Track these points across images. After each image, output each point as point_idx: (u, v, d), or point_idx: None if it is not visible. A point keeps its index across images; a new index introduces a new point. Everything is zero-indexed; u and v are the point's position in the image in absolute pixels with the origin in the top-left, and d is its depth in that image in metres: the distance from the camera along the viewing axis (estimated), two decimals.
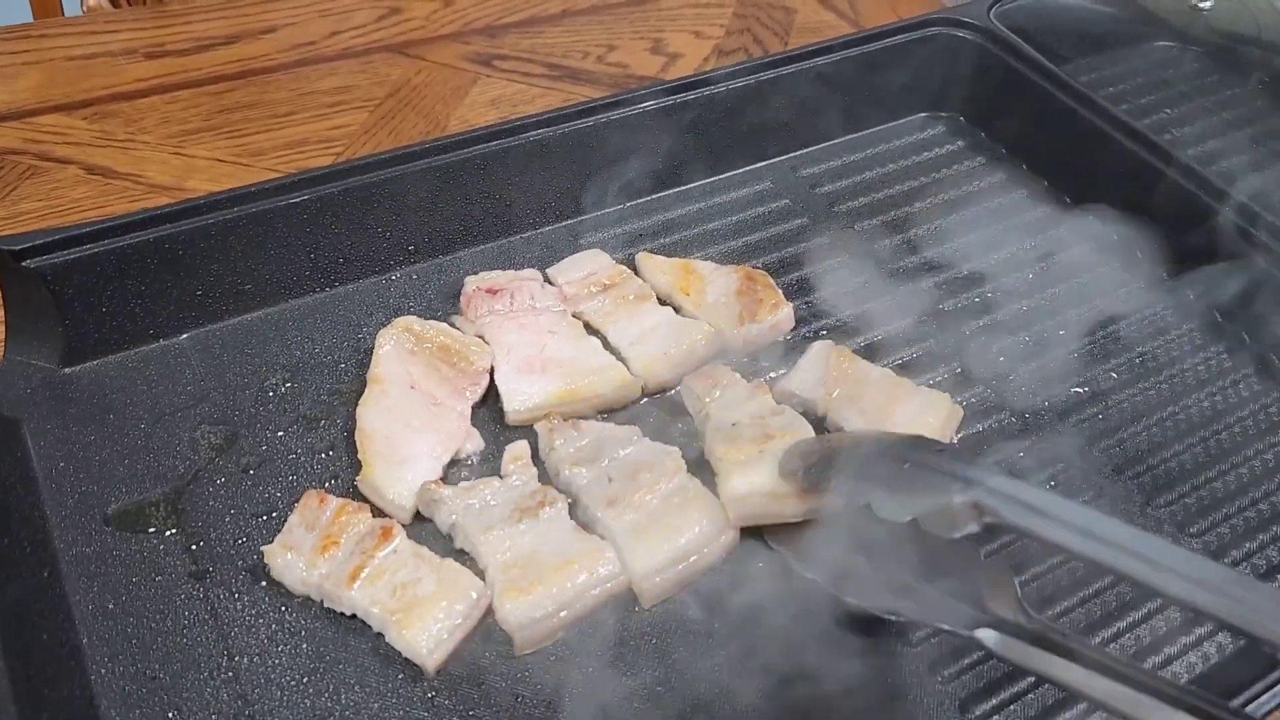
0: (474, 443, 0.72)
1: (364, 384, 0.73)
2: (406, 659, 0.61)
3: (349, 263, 0.81)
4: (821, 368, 0.75)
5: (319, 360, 0.76)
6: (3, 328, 0.74)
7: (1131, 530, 0.51)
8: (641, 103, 0.89)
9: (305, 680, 0.60)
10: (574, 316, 0.79)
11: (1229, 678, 0.62)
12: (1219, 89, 1.07)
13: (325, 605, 0.63)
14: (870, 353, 0.80)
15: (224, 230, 0.76)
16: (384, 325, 0.76)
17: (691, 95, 0.91)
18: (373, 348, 0.75)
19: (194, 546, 0.65)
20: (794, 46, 1.20)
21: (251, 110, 1.06)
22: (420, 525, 0.68)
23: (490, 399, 0.75)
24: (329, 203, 0.79)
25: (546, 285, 0.81)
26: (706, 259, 0.86)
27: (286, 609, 0.63)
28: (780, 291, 0.81)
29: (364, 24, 1.20)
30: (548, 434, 0.70)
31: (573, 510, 0.67)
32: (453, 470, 0.71)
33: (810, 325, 0.82)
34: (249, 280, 0.78)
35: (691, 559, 0.65)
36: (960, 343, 0.82)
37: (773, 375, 0.78)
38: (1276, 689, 0.57)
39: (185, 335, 0.77)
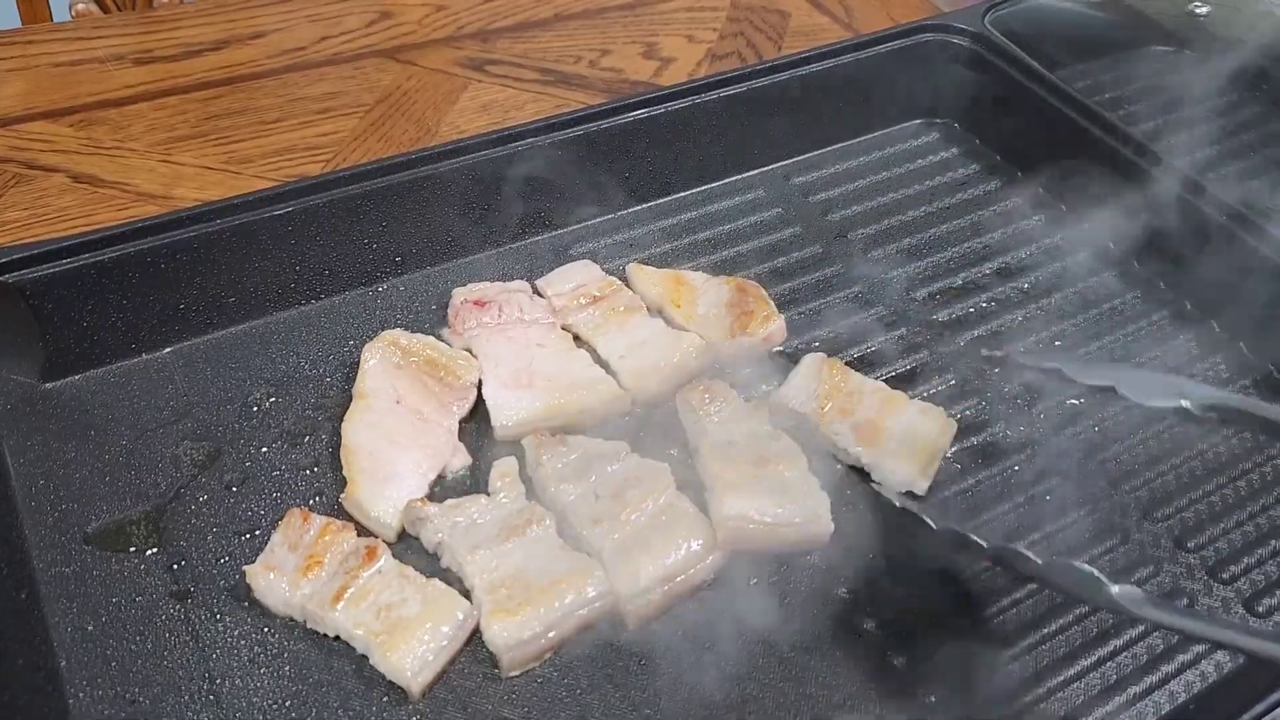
0: (460, 459, 0.71)
1: (349, 399, 0.72)
2: (391, 682, 0.60)
3: (335, 275, 0.80)
4: (814, 380, 0.74)
5: (304, 374, 0.75)
6: None
7: None
8: (633, 110, 0.88)
9: (288, 704, 0.59)
10: (563, 329, 0.78)
11: (1227, 698, 0.61)
12: (1215, 95, 1.06)
13: (308, 626, 0.62)
14: (864, 365, 0.79)
15: (207, 243, 0.75)
16: (370, 338, 0.75)
17: (683, 103, 0.90)
18: (359, 361, 0.74)
19: (175, 566, 0.64)
20: (788, 51, 1.20)
21: (240, 117, 1.05)
22: (406, 543, 0.67)
23: (478, 413, 0.74)
24: (314, 214, 0.78)
25: (535, 297, 0.80)
26: (698, 269, 0.85)
27: (269, 630, 0.62)
28: (772, 303, 0.80)
29: (354, 29, 1.19)
30: (535, 450, 0.69)
31: (560, 527, 0.66)
32: (439, 487, 0.70)
33: (803, 336, 0.81)
34: (233, 293, 0.77)
35: (678, 579, 0.64)
36: (955, 354, 0.81)
37: (765, 388, 0.77)
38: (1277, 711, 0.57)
39: (168, 349, 0.76)
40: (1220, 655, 0.63)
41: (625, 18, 1.26)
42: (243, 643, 0.61)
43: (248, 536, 0.66)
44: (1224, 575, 0.68)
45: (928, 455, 0.70)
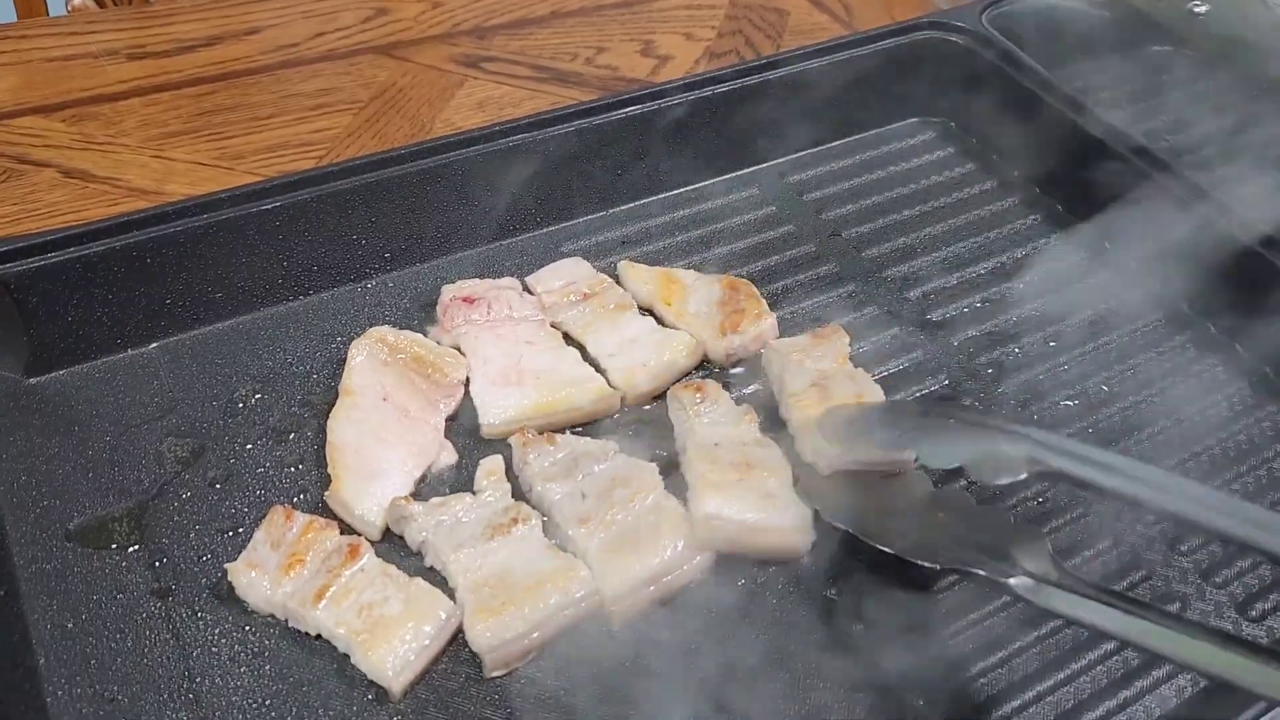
0: (447, 457, 0.70)
1: (336, 395, 0.71)
2: (373, 681, 0.59)
3: (323, 270, 0.80)
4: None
5: (290, 371, 0.75)
6: None
7: (1172, 475, 0.56)
8: (626, 107, 0.87)
9: (268, 703, 0.58)
10: (553, 326, 0.78)
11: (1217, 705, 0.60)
12: (1215, 94, 1.05)
13: (290, 625, 0.61)
14: (857, 363, 0.77)
15: (194, 237, 0.74)
16: (358, 335, 0.75)
17: (677, 99, 0.89)
18: (345, 358, 0.73)
19: (157, 563, 0.64)
20: (785, 49, 1.19)
21: (233, 113, 1.05)
22: (390, 541, 0.66)
23: (465, 411, 0.73)
24: (303, 209, 0.77)
25: (525, 294, 0.79)
26: (691, 267, 0.84)
27: (250, 629, 0.61)
28: (764, 301, 0.79)
29: (349, 25, 1.18)
30: (522, 448, 0.69)
31: (546, 527, 0.66)
32: (424, 485, 0.69)
33: (796, 335, 0.80)
34: (220, 288, 0.76)
35: (665, 580, 0.63)
36: (948, 354, 0.80)
37: (755, 388, 0.76)
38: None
39: (154, 345, 0.75)
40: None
41: (623, 15, 1.25)
42: (223, 641, 0.61)
43: (230, 534, 0.65)
44: (1216, 579, 0.67)
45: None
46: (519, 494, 0.68)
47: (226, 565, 0.63)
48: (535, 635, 0.61)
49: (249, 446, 0.70)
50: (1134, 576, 0.67)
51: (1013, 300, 0.85)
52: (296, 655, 0.60)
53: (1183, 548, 0.68)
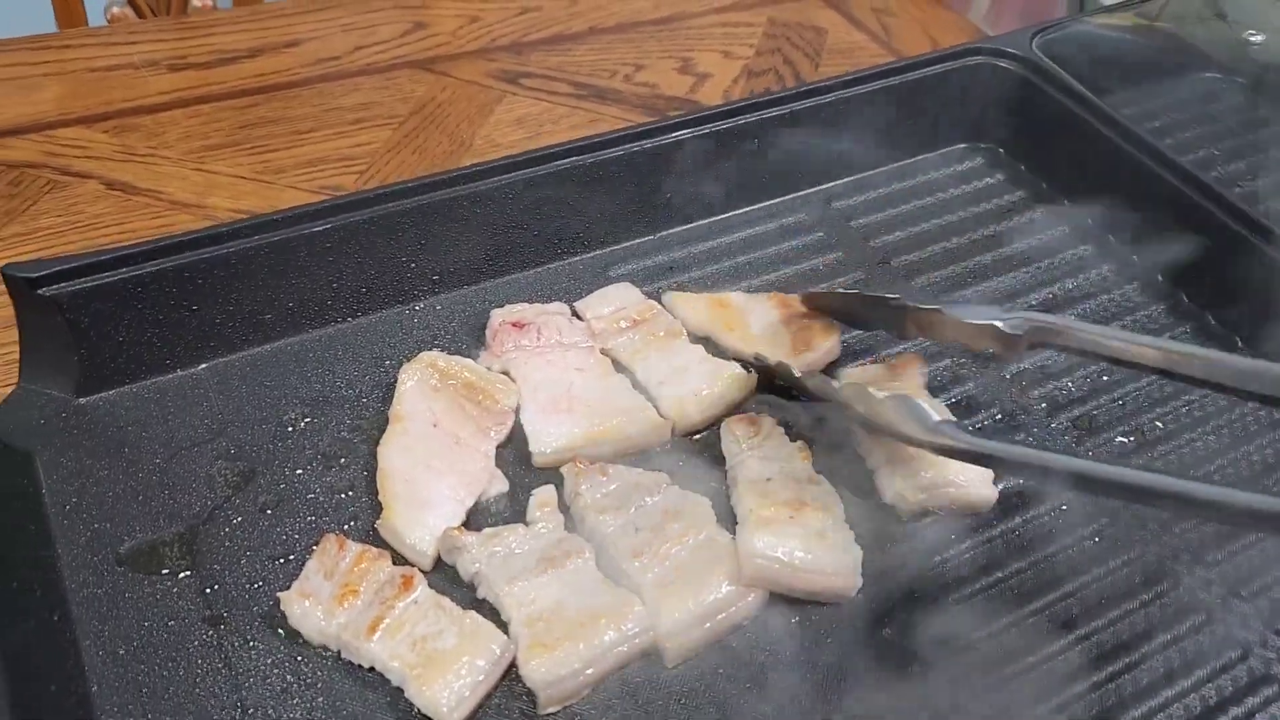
0: (498, 485, 0.69)
1: (385, 420, 0.71)
2: (426, 716, 0.58)
3: (372, 292, 0.79)
4: None
5: (340, 395, 0.74)
6: (18, 355, 0.72)
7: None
8: (673, 131, 0.87)
9: None
10: (602, 353, 0.77)
11: None
12: (1266, 123, 1.04)
13: (343, 656, 0.61)
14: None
15: (245, 258, 0.74)
16: (407, 358, 0.74)
17: (725, 124, 0.88)
18: (395, 382, 0.73)
19: (208, 590, 0.63)
20: (826, 69, 1.19)
21: (274, 126, 1.05)
22: (441, 571, 0.65)
23: (515, 439, 0.73)
24: (353, 231, 0.77)
25: (574, 320, 0.79)
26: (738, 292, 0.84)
27: (302, 659, 0.61)
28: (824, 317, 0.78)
29: (388, 39, 1.18)
30: (574, 478, 0.68)
31: (599, 559, 0.65)
32: (475, 514, 0.68)
33: (845, 366, 0.79)
34: (269, 309, 0.76)
35: (719, 616, 0.62)
36: (1002, 386, 0.79)
37: (808, 419, 0.75)
38: None
39: (203, 366, 0.75)
40: None
41: (660, 32, 1.25)
42: (276, 671, 0.60)
43: (282, 561, 0.65)
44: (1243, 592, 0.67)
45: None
46: (570, 525, 0.67)
47: (279, 594, 0.62)
48: (590, 671, 0.60)
49: (299, 471, 0.70)
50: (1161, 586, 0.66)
51: None
52: (350, 688, 0.60)
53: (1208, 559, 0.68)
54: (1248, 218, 0.82)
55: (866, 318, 0.78)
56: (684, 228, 0.89)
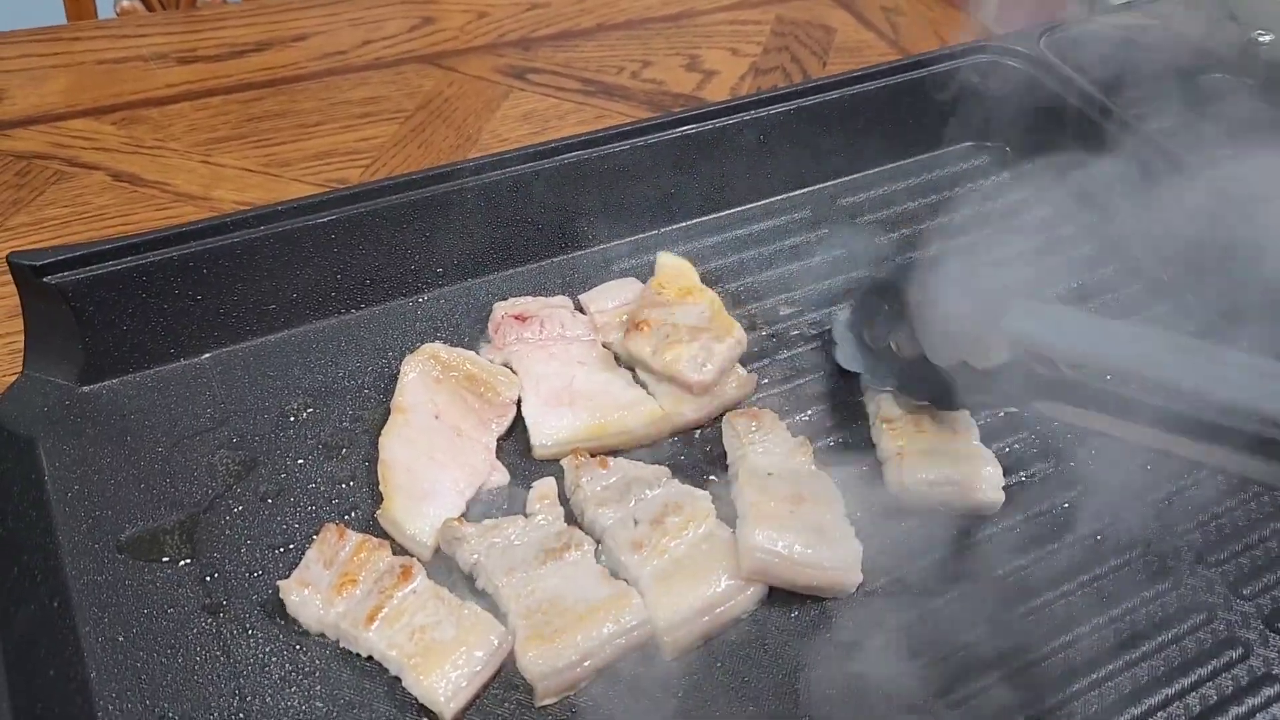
0: (498, 477, 0.69)
1: (387, 411, 0.71)
2: (423, 706, 0.58)
3: (375, 284, 0.79)
4: None
5: (342, 385, 0.74)
6: (21, 339, 0.72)
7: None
8: (679, 126, 0.87)
9: None
10: (604, 346, 0.77)
11: None
12: (1275, 124, 1.04)
13: (341, 645, 0.61)
14: None
15: (250, 249, 0.74)
16: (409, 350, 0.74)
17: (731, 119, 0.88)
18: (397, 373, 0.73)
19: (208, 578, 0.63)
20: (834, 68, 1.19)
21: (281, 119, 1.05)
22: (440, 561, 0.65)
23: (516, 431, 0.73)
24: (357, 223, 0.77)
25: (577, 314, 0.79)
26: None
27: (301, 648, 0.61)
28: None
29: (396, 34, 1.18)
30: (574, 471, 0.68)
31: (597, 552, 0.65)
32: (475, 505, 0.68)
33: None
34: (273, 300, 0.76)
35: (717, 610, 0.62)
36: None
37: (801, 417, 0.75)
38: None
39: (207, 355, 0.75)
40: None
41: (668, 29, 1.25)
42: (274, 660, 0.60)
43: (282, 550, 0.65)
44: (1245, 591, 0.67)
45: None
46: (570, 517, 0.67)
47: (278, 583, 0.62)
48: (587, 664, 0.60)
49: (300, 461, 0.70)
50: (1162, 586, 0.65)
51: None
52: (347, 676, 0.60)
53: (1210, 556, 0.67)
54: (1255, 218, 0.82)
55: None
56: (688, 223, 0.89)
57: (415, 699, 0.58)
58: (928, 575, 0.66)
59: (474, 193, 0.80)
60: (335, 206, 0.76)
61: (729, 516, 0.66)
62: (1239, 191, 0.80)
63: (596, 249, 0.86)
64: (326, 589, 0.61)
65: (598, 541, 0.66)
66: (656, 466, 0.69)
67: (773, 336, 0.81)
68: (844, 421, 0.75)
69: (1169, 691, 0.62)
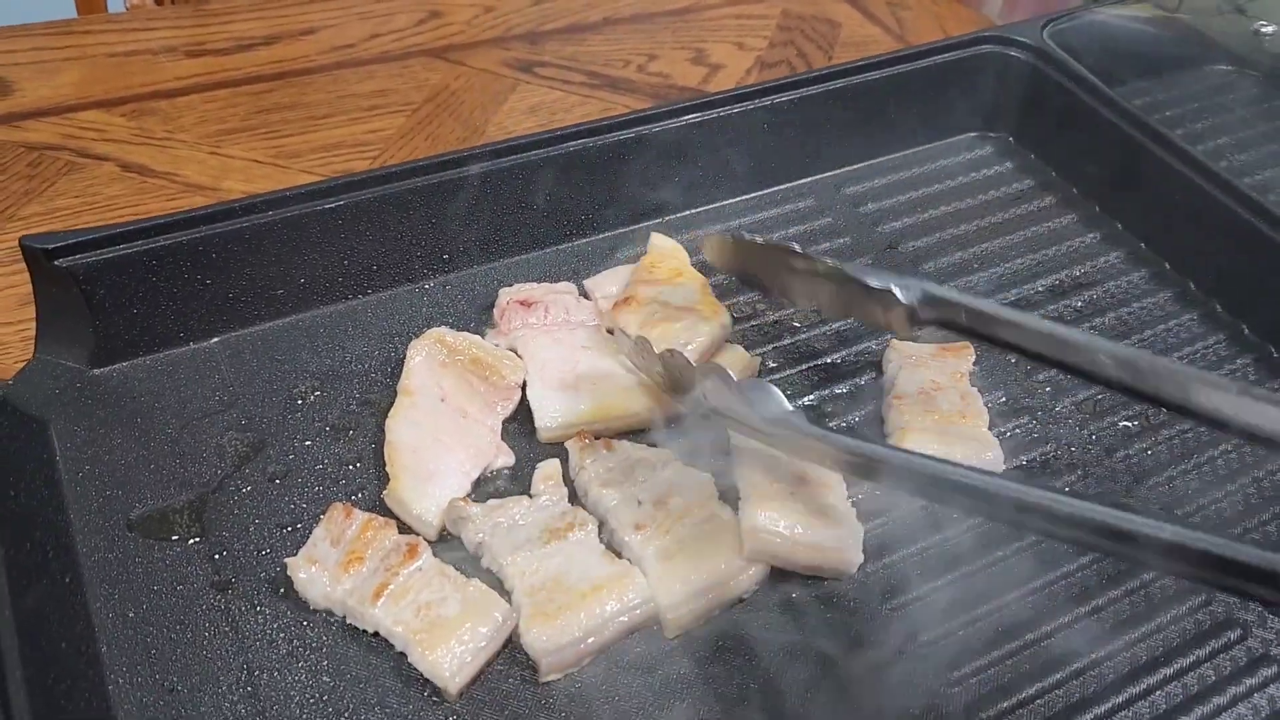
0: (503, 459, 0.70)
1: (394, 395, 0.72)
2: (428, 680, 0.59)
3: (382, 270, 0.80)
4: None
5: (349, 369, 0.75)
6: (34, 326, 0.73)
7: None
8: (683, 115, 0.87)
9: (325, 698, 0.58)
10: (608, 331, 0.78)
11: None
12: (1277, 115, 1.04)
13: (348, 622, 0.62)
14: None
15: (258, 234, 0.75)
16: (416, 335, 0.75)
17: (736, 108, 0.89)
18: (404, 358, 0.73)
19: (217, 556, 0.64)
20: (838, 61, 1.19)
21: (289, 111, 1.06)
22: (446, 542, 0.66)
23: (521, 414, 0.73)
24: (364, 209, 0.78)
25: (581, 299, 0.79)
26: None
27: (308, 624, 0.62)
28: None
29: (403, 27, 1.19)
30: (578, 453, 0.69)
31: (601, 532, 0.66)
32: (481, 486, 0.69)
33: (852, 348, 0.80)
34: (281, 285, 0.77)
35: (719, 590, 0.63)
36: (1006, 371, 0.79)
37: (803, 401, 0.76)
38: None
39: (215, 339, 0.76)
40: None
41: (674, 23, 1.26)
42: (281, 636, 0.61)
43: (289, 529, 0.66)
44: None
45: None
46: (574, 498, 0.68)
47: (286, 560, 0.63)
48: (590, 641, 0.61)
49: (308, 443, 0.70)
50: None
51: (1070, 319, 0.84)
52: (354, 652, 0.61)
53: None
54: (1260, 207, 0.82)
55: (765, 274, 0.72)
56: (692, 211, 0.90)
57: (421, 674, 0.59)
58: (929, 556, 0.67)
59: (480, 180, 0.81)
60: (342, 193, 0.77)
61: (731, 498, 0.67)
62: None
63: (601, 236, 0.87)
64: (333, 566, 0.62)
65: (601, 522, 0.66)
66: (660, 449, 0.70)
67: (776, 322, 0.82)
68: (849, 407, 0.76)
69: (1167, 671, 0.62)
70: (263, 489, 0.68)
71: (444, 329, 0.75)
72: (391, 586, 0.61)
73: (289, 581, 0.62)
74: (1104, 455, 0.74)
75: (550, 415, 0.71)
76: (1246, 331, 0.83)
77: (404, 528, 0.65)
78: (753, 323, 0.81)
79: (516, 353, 0.75)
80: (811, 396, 0.76)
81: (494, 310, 0.78)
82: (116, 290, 0.72)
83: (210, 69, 1.10)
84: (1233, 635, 0.64)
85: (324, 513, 0.65)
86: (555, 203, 0.84)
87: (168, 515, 0.66)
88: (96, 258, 0.71)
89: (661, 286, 0.77)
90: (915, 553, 0.67)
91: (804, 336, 0.81)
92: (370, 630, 0.61)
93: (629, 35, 1.22)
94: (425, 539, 0.65)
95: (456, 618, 0.60)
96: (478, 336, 0.76)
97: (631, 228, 0.88)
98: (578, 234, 0.86)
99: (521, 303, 0.77)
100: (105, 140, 1.00)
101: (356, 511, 0.64)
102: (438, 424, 0.70)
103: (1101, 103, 0.92)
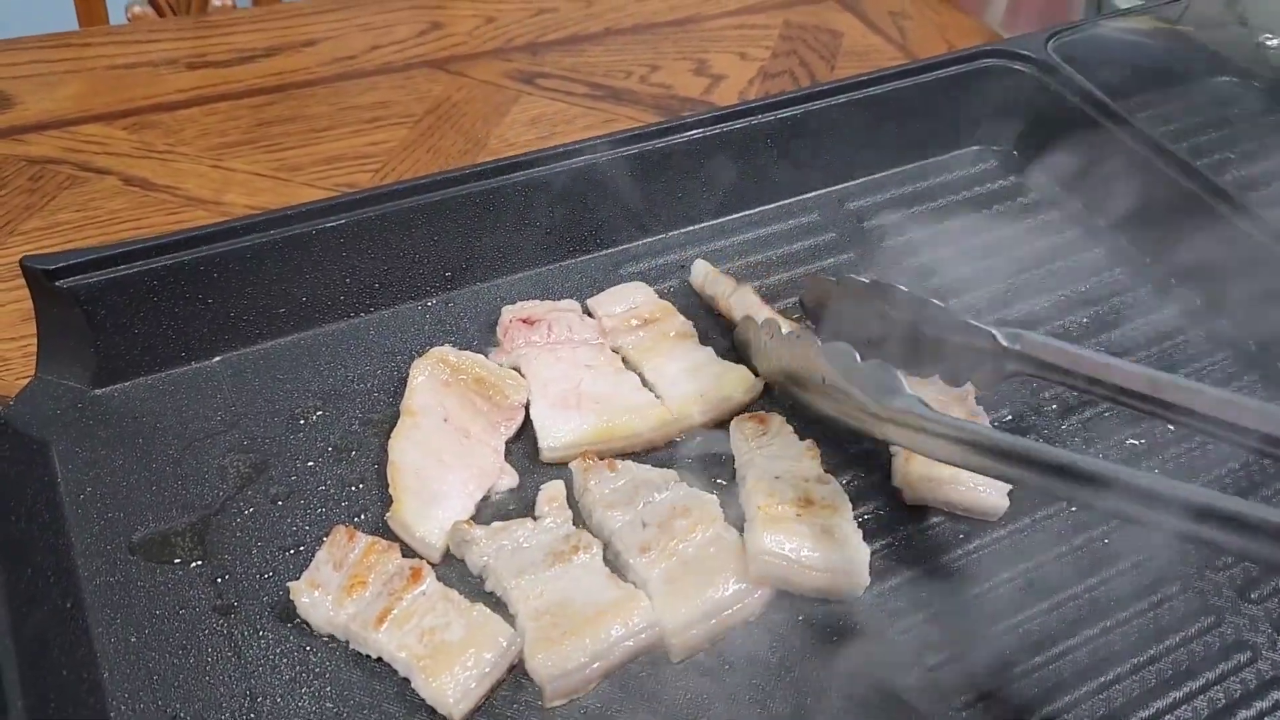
0: (507, 480, 0.70)
1: (397, 414, 0.71)
2: (432, 707, 0.59)
3: (385, 288, 0.80)
4: None
5: (352, 388, 0.75)
6: (35, 346, 0.73)
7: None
8: (687, 130, 0.87)
9: None
10: (612, 350, 0.77)
11: None
12: None
13: (351, 646, 0.61)
14: None
15: (260, 253, 0.74)
16: (418, 353, 0.75)
17: (739, 124, 0.88)
18: (406, 377, 0.73)
19: (219, 579, 0.64)
20: (841, 72, 1.19)
21: (290, 124, 1.06)
22: (450, 564, 0.66)
23: (524, 434, 0.73)
24: (366, 227, 0.77)
25: (585, 317, 0.79)
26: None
27: (311, 649, 0.61)
28: None
29: (405, 39, 1.19)
30: (582, 474, 0.68)
31: (606, 554, 0.65)
32: (484, 508, 0.69)
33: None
34: (283, 304, 0.77)
35: (725, 613, 0.63)
36: (1011, 389, 0.79)
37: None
38: None
39: (217, 359, 0.75)
40: None
41: (676, 34, 1.25)
42: (284, 661, 0.60)
43: (292, 552, 0.65)
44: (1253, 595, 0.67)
45: None
46: (579, 520, 0.68)
47: (289, 584, 0.62)
48: (596, 666, 0.60)
49: (310, 464, 0.70)
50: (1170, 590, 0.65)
51: (1075, 334, 0.84)
52: (357, 678, 0.60)
53: (1218, 562, 0.67)
54: (1264, 222, 0.82)
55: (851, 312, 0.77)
56: (696, 227, 0.90)
57: (424, 700, 0.59)
58: (935, 579, 0.66)
59: (482, 197, 0.80)
60: (344, 211, 0.76)
61: (737, 520, 0.67)
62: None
63: (604, 253, 0.86)
64: (336, 590, 0.62)
65: (606, 544, 0.66)
66: (665, 470, 0.69)
67: None
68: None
69: (1177, 695, 0.62)
70: (265, 511, 0.67)
71: (447, 348, 0.75)
72: (395, 611, 0.60)
73: (292, 605, 0.62)
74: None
75: (554, 436, 0.71)
76: (1253, 347, 0.83)
77: (407, 550, 0.65)
78: None
79: (520, 371, 0.75)
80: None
81: (497, 328, 0.78)
82: (118, 310, 0.71)
83: (211, 81, 1.10)
84: (1242, 658, 0.63)
85: (327, 535, 0.64)
86: (558, 219, 0.84)
87: (170, 538, 0.65)
88: (98, 278, 0.70)
89: None
90: (921, 575, 0.66)
91: None
92: (374, 656, 0.61)
93: (631, 46, 1.22)
94: (429, 562, 0.64)
95: (460, 643, 0.60)
96: (480, 356, 0.75)
97: (634, 244, 0.88)
98: (581, 250, 0.86)
99: (524, 321, 0.77)
100: (107, 154, 1.00)
101: (360, 534, 0.64)
102: (441, 444, 0.69)
103: (1105, 116, 0.92)
